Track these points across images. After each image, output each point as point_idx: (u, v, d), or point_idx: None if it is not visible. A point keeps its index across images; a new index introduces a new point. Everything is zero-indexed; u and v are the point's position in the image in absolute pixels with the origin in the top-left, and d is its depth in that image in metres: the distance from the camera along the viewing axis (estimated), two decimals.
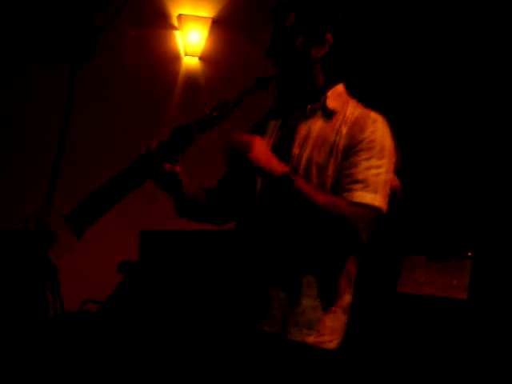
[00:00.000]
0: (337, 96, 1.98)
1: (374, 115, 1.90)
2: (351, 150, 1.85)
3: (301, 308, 1.90)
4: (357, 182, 1.81)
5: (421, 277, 4.11)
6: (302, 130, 1.94)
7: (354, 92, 2.10)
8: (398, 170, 4.14)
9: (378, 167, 1.83)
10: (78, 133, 4.28)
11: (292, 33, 1.95)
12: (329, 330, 1.93)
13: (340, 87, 2.02)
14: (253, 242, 1.99)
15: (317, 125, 1.93)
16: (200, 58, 5.15)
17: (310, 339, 1.90)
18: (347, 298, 1.99)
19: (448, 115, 4.90)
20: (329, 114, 1.93)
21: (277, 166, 1.80)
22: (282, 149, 1.95)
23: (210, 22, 5.11)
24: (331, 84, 2.01)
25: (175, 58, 5.08)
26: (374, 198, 1.81)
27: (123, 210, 4.36)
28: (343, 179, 1.84)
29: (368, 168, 1.82)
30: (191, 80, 5.11)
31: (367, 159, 1.83)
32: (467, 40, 4.76)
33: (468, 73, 4.81)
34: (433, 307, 3.96)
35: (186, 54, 5.08)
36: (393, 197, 4.00)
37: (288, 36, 1.95)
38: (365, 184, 1.81)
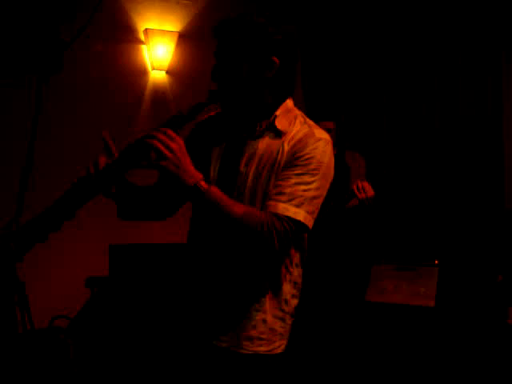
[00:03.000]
0: (285, 113, 1.98)
1: (318, 134, 1.92)
2: (288, 163, 1.89)
3: (253, 322, 1.96)
4: (283, 194, 1.85)
5: (389, 285, 4.15)
6: (249, 148, 1.96)
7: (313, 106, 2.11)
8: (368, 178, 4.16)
9: (309, 183, 1.86)
10: (46, 147, 4.26)
11: (237, 59, 1.93)
12: (278, 337, 2.00)
13: (289, 103, 2.02)
14: (202, 255, 2.04)
15: (263, 142, 1.95)
16: (167, 72, 5.16)
17: (262, 349, 1.96)
18: (294, 303, 2.05)
19: (414, 129, 4.97)
20: (277, 133, 1.95)
21: (191, 175, 1.82)
22: (230, 167, 1.98)
23: (176, 36, 5.13)
24: (280, 100, 2.00)
25: (142, 72, 5.08)
26: (296, 212, 1.84)
27: (92, 225, 4.39)
28: (274, 188, 1.88)
29: (298, 183, 1.86)
30: (158, 94, 5.12)
31: (300, 174, 1.86)
32: (432, 57, 4.84)
33: (435, 89, 4.89)
34: (401, 315, 3.99)
35: (153, 68, 5.09)
36: (366, 205, 4.03)
37: (233, 63, 1.93)
38: (290, 198, 1.85)
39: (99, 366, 3.75)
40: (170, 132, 1.83)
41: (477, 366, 3.91)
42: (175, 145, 1.81)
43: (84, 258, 4.50)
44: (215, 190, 1.83)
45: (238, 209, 1.83)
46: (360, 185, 3.94)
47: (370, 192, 3.95)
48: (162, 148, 1.79)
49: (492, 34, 4.49)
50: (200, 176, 1.83)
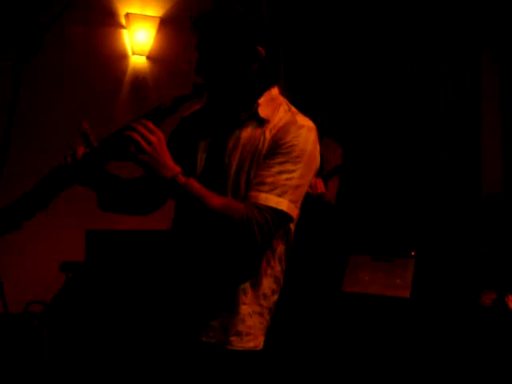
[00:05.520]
0: (269, 101, 1.94)
1: (300, 121, 1.88)
2: (270, 152, 1.85)
3: (240, 316, 1.91)
4: (265, 184, 1.81)
5: (365, 276, 4.18)
6: (233, 138, 1.92)
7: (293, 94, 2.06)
8: (339, 169, 4.19)
9: (291, 172, 1.82)
10: (23, 132, 4.22)
11: (222, 52, 1.88)
12: (259, 332, 1.95)
13: (273, 91, 1.97)
14: (185, 245, 2.00)
15: (246, 132, 1.91)
16: (147, 57, 5.13)
17: (250, 344, 1.92)
18: (273, 299, 2.00)
19: (393, 120, 4.99)
20: (260, 122, 1.90)
21: (169, 168, 1.78)
22: (216, 159, 1.94)
23: (157, 21, 5.10)
24: (264, 88, 1.96)
25: (122, 57, 5.05)
26: (279, 201, 1.80)
27: (68, 210, 4.36)
28: (255, 178, 1.85)
29: (280, 172, 1.82)
30: (138, 79, 5.09)
31: (282, 163, 1.82)
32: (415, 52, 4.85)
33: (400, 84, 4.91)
34: (377, 306, 4.02)
35: (134, 53, 5.05)
36: (320, 200, 4.11)
37: (218, 56, 1.89)
38: (272, 187, 1.81)
39: (73, 353, 3.74)
40: (150, 125, 1.79)
41: (451, 357, 3.95)
42: (154, 138, 1.77)
43: (59, 243, 4.48)
44: (193, 183, 1.79)
45: (217, 201, 1.79)
46: (313, 181, 3.99)
47: (322, 189, 4.02)
48: (141, 141, 1.76)
49: (473, 34, 4.52)
50: (178, 169, 1.79)
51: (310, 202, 4.00)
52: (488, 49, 4.47)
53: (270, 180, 1.81)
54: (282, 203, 1.81)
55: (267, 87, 1.96)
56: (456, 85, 4.62)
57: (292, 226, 1.99)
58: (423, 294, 4.12)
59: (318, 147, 1.91)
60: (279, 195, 1.80)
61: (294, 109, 1.96)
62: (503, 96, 4.46)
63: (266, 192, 1.80)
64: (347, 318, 4.06)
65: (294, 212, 1.86)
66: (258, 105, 1.92)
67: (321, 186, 4.03)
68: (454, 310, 4.15)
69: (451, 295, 4.22)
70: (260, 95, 1.94)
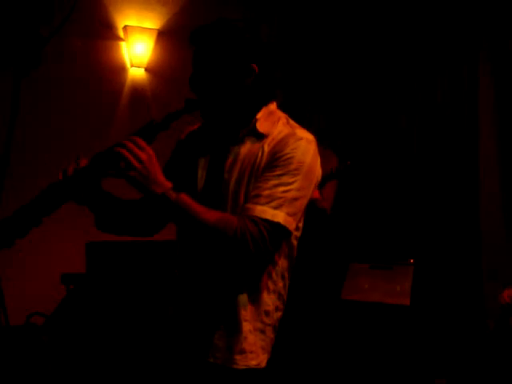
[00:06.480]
0: (267, 116, 1.95)
1: (299, 134, 1.87)
2: (268, 165, 1.84)
3: (243, 334, 1.88)
4: (261, 196, 1.80)
5: (364, 284, 4.18)
6: (232, 154, 1.92)
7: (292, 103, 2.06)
8: (332, 175, 4.19)
9: (289, 184, 1.81)
10: (23, 145, 4.24)
11: (216, 68, 1.89)
12: (261, 350, 1.92)
13: (271, 106, 1.98)
14: (188, 259, 1.99)
15: (245, 147, 1.91)
16: (146, 69, 5.15)
17: (253, 362, 1.90)
18: (277, 316, 1.98)
19: (388, 126, 5.00)
20: (259, 136, 1.90)
21: (159, 185, 1.78)
22: (215, 176, 1.94)
23: (155, 33, 5.13)
24: (260, 105, 1.96)
25: (121, 69, 5.07)
26: (274, 214, 1.78)
27: (69, 222, 4.37)
28: (252, 190, 1.84)
29: (277, 185, 1.80)
30: (137, 91, 5.11)
31: (279, 176, 1.81)
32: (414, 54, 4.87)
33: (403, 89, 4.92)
34: (377, 314, 4.03)
35: (132, 65, 5.08)
36: (314, 206, 4.12)
37: (212, 71, 1.90)
38: (268, 200, 1.79)
39: (75, 365, 3.75)
40: (140, 141, 1.79)
41: (452, 364, 3.96)
42: (144, 155, 1.78)
43: (60, 255, 4.48)
44: (185, 198, 1.79)
45: (210, 215, 1.78)
46: None
47: (315, 195, 4.02)
48: (131, 158, 1.76)
49: (469, 34, 4.53)
50: (169, 185, 1.79)
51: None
52: (484, 48, 4.49)
53: (266, 193, 1.79)
54: (278, 216, 1.79)
55: (264, 103, 1.96)
56: (452, 85, 4.63)
57: (294, 241, 1.98)
58: (423, 301, 4.13)
59: (318, 159, 1.91)
60: (275, 208, 1.78)
61: (293, 122, 1.96)
62: (499, 95, 4.46)
63: (262, 205, 1.79)
64: (347, 327, 4.06)
65: (291, 225, 1.83)
66: (256, 120, 1.92)
67: (314, 192, 4.02)
68: (455, 317, 4.16)
69: (451, 301, 4.23)
70: (257, 111, 1.95)
